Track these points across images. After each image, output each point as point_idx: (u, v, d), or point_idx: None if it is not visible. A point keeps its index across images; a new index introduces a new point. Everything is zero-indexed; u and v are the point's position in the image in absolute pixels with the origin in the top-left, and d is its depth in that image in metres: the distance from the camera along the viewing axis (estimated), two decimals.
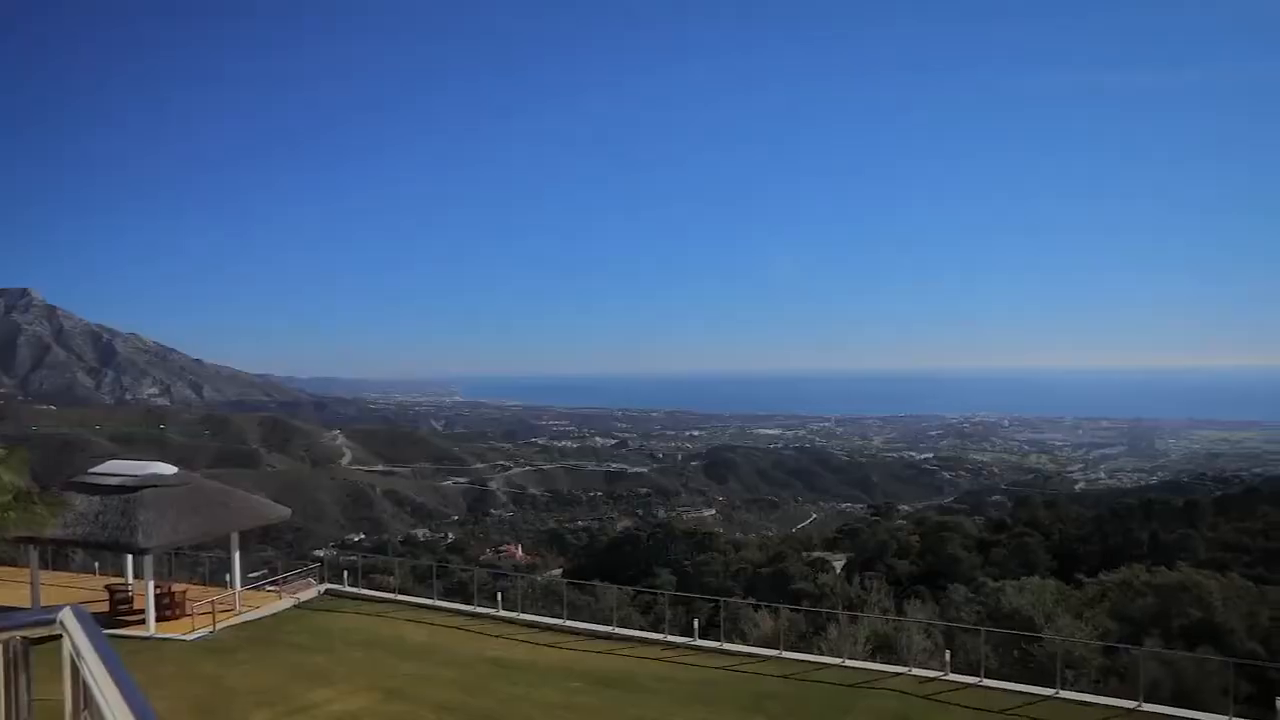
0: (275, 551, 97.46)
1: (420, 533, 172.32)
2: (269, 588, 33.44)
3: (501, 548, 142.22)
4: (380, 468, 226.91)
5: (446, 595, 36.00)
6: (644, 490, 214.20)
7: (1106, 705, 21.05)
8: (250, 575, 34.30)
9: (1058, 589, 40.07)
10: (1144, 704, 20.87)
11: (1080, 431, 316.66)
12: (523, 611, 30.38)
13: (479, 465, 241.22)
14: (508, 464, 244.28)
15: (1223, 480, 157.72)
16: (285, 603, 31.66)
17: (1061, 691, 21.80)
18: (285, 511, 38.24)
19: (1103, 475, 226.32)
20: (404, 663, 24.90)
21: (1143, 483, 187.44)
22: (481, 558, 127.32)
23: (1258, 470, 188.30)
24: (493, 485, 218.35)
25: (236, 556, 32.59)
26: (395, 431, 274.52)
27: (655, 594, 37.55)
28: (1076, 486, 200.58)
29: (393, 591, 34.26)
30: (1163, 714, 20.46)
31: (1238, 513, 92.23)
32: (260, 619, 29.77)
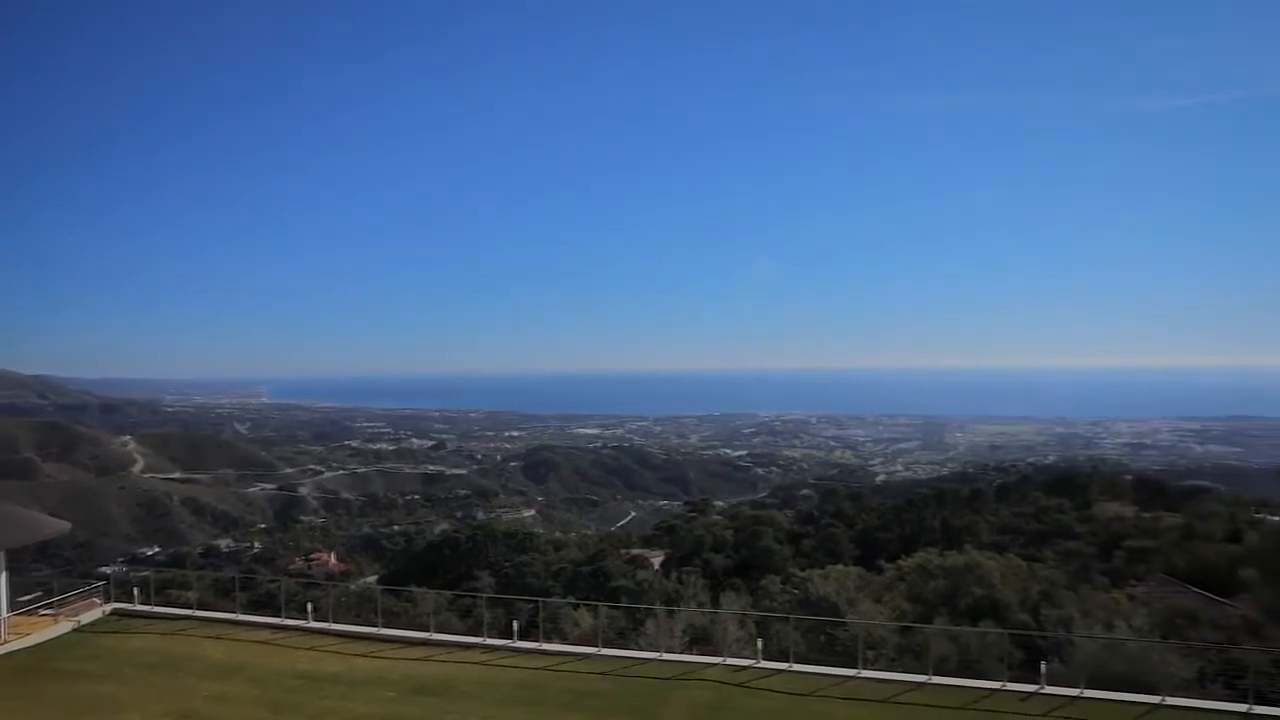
0: (52, 570, 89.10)
1: (224, 543, 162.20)
2: (43, 612, 30.35)
3: (313, 555, 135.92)
4: (178, 475, 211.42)
5: (252, 608, 33.98)
6: (463, 492, 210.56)
7: (901, 680, 22.52)
8: (20, 599, 31.01)
9: (860, 575, 42.57)
10: (933, 676, 22.52)
11: (880, 428, 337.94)
12: (335, 622, 29.09)
13: (288, 470, 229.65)
14: (319, 468, 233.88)
15: (1002, 470, 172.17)
16: (63, 627, 28.85)
17: (863, 671, 23.15)
18: (64, 526, 34.81)
19: (900, 468, 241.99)
20: (203, 683, 23.28)
21: (935, 474, 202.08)
22: (291, 567, 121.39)
23: (1031, 460, 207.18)
24: (303, 490, 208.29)
25: (3, 579, 29.41)
26: (195, 436, 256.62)
27: (474, 597, 36.98)
28: (878, 479, 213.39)
29: (190, 607, 31.96)
30: (949, 684, 22.12)
31: (1015, 499, 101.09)
32: (32, 647, 27.01)
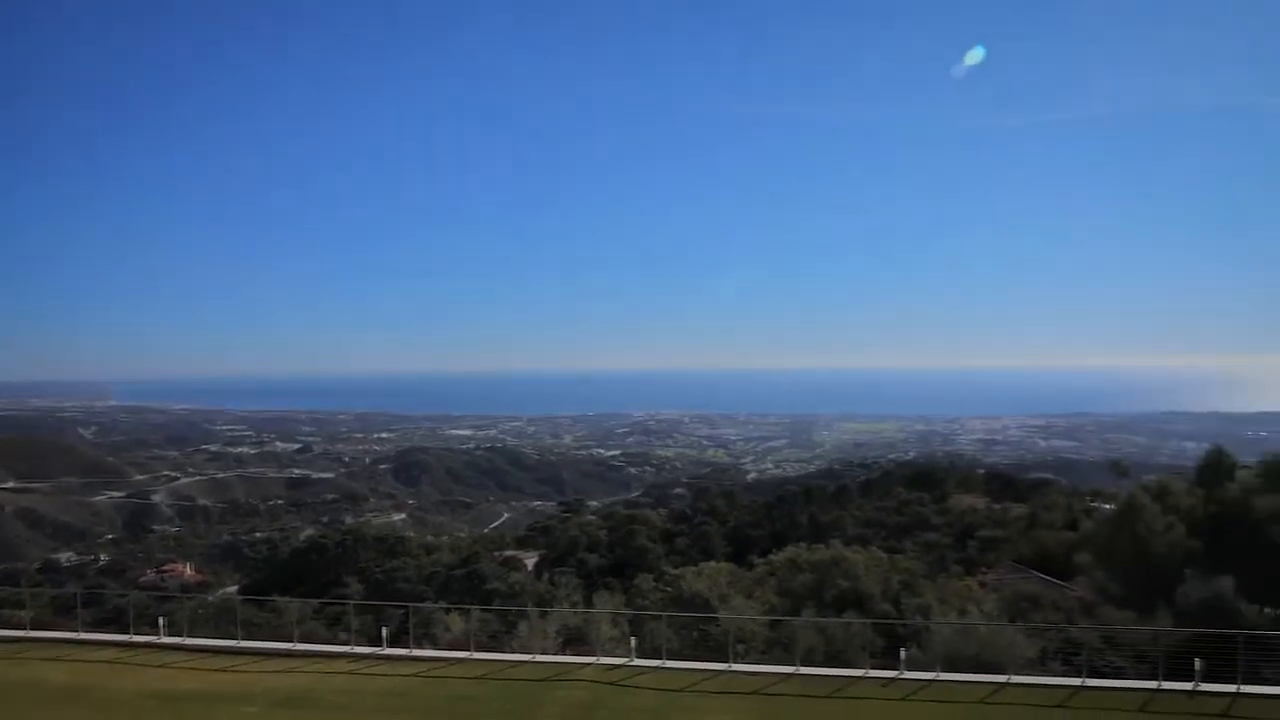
0: None
1: (65, 557, 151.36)
2: None
3: (166, 567, 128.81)
4: (11, 484, 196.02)
5: (98, 626, 31.92)
6: (330, 496, 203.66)
7: (771, 673, 23.14)
8: None
9: (732, 571, 43.48)
10: (801, 667, 23.26)
11: (751, 426, 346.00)
12: (191, 636, 27.65)
13: (140, 476, 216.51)
14: (174, 474, 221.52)
15: (866, 466, 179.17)
16: None
17: (734, 665, 23.67)
18: None
19: (771, 466, 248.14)
20: (40, 711, 21.68)
21: (804, 471, 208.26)
22: (141, 580, 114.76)
23: (893, 457, 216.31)
24: (156, 498, 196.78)
25: None
26: (32, 441, 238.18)
27: (341, 604, 35.86)
28: (749, 477, 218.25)
29: (25, 628, 29.71)
30: (816, 674, 22.89)
31: (878, 494, 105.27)
32: None
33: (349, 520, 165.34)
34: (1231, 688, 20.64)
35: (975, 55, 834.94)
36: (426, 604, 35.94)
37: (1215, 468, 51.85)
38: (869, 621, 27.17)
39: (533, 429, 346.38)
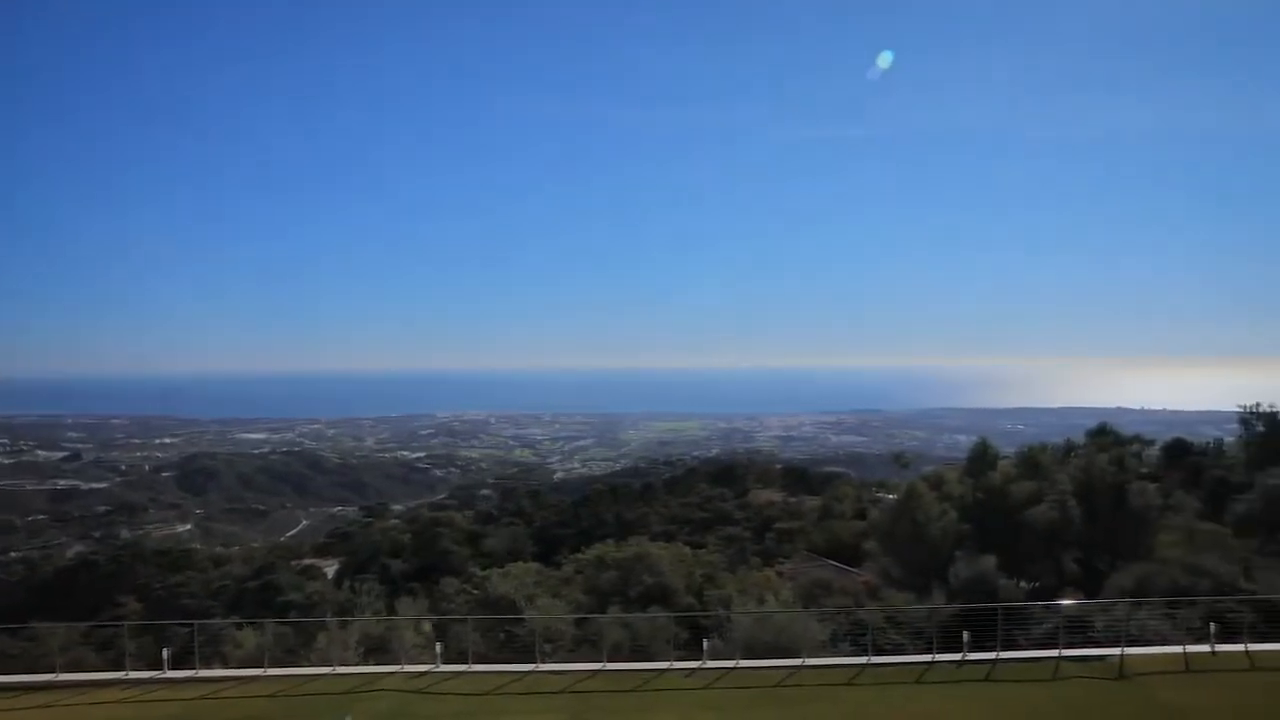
0: None
1: None
2: None
3: None
4: None
5: None
6: (103, 508, 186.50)
7: (578, 670, 23.29)
8: None
9: (539, 571, 43.44)
10: (608, 663, 23.57)
11: (558, 426, 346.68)
12: None
13: None
14: None
15: (671, 464, 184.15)
16: None
17: (541, 665, 23.65)
18: None
19: (578, 465, 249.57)
20: None
21: (610, 470, 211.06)
22: None
23: (696, 454, 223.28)
24: None
25: None
26: None
27: (115, 626, 32.94)
28: (556, 476, 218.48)
29: None
30: (622, 669, 23.26)
31: (682, 490, 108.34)
32: None
33: (125, 534, 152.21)
34: (992, 655, 22.93)
35: (885, 59, 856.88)
36: (215, 620, 33.73)
37: (981, 458, 57.07)
38: (673, 615, 27.91)
39: (333, 431, 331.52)
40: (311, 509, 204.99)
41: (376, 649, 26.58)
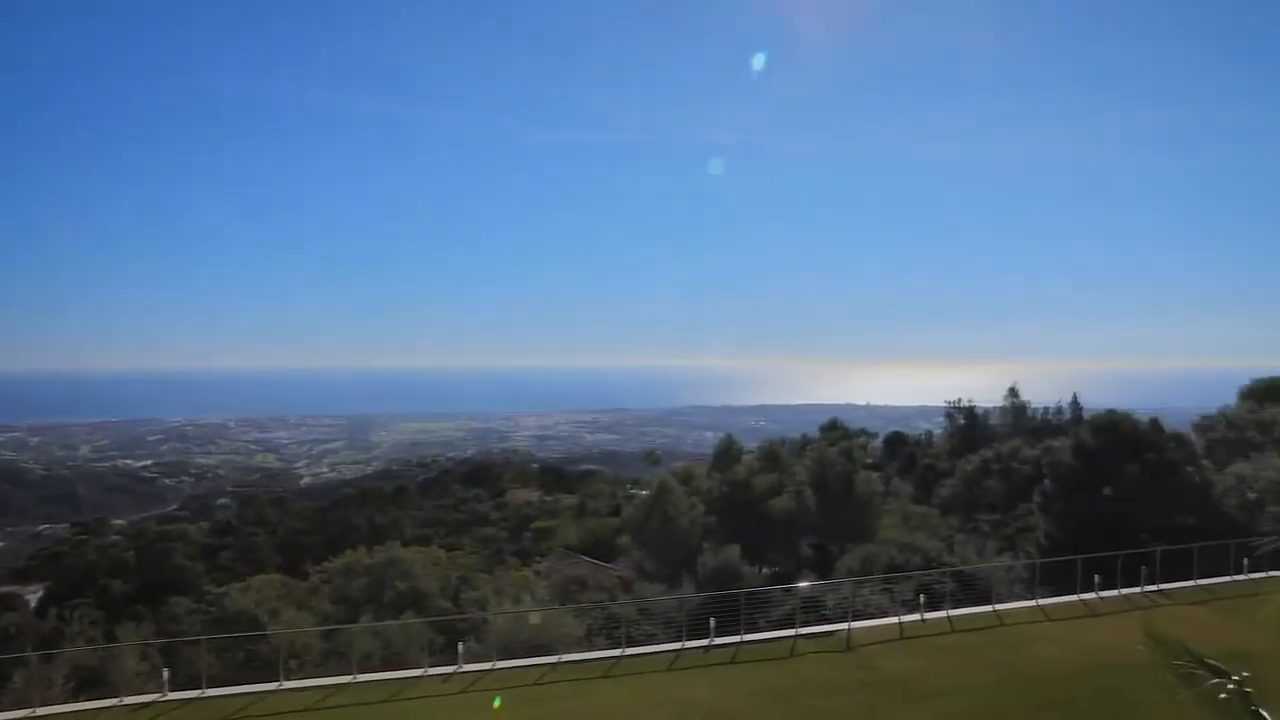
0: None
1: None
2: None
3: None
4: None
5: None
6: None
7: (326, 685, 22.12)
8: None
9: (284, 583, 41.09)
10: (359, 676, 22.56)
11: (304, 429, 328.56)
12: None
13: None
14: None
15: (424, 465, 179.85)
16: None
17: (285, 683, 22.22)
18: None
19: (326, 469, 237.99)
20: None
21: (361, 473, 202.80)
22: None
23: (451, 455, 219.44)
24: None
25: None
26: None
27: None
28: (302, 481, 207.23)
29: None
30: (374, 680, 22.38)
31: (436, 492, 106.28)
32: None
33: None
34: (737, 638, 24.37)
35: (759, 61, 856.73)
36: None
37: (726, 454, 60.48)
38: (427, 620, 27.28)
39: (36, 439, 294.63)
40: (10, 528, 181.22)
41: (90, 683, 23.89)
